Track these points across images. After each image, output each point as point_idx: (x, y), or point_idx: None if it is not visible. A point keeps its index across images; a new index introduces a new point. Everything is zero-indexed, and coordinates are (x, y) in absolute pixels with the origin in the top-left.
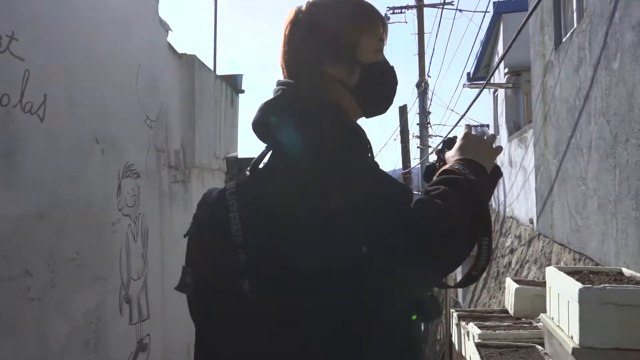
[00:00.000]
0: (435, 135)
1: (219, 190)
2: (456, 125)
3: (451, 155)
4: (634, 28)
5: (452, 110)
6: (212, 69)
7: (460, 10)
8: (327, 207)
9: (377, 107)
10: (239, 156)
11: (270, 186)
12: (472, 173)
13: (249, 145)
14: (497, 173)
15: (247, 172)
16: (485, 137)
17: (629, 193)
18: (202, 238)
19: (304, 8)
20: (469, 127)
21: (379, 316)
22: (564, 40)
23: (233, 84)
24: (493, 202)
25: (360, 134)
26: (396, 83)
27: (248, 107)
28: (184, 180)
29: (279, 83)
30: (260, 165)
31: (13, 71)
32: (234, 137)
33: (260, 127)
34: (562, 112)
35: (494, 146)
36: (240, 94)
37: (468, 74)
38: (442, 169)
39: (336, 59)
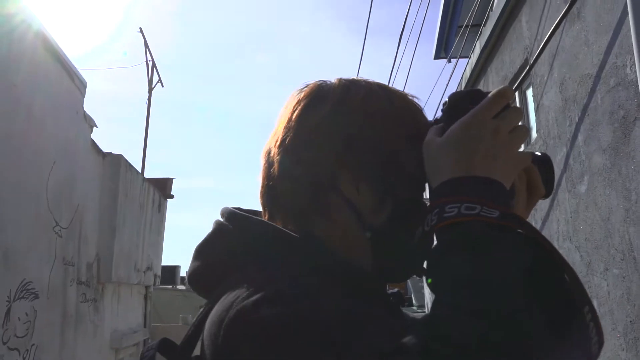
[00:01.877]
0: None
1: None
2: None
3: (434, 153)
4: (605, 152)
5: None
6: (140, 171)
7: None
8: None
9: (399, 271)
10: (163, 264)
11: None
12: (490, 206)
13: (174, 255)
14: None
15: None
16: (501, 117)
17: (615, 330)
18: None
19: (333, 82)
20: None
21: None
22: None
23: (162, 188)
24: None
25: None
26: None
27: (176, 213)
28: (95, 299)
29: (226, 213)
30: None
31: None
32: (158, 247)
33: (196, 280)
34: None
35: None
36: (169, 199)
37: None
38: (435, 224)
39: (367, 172)
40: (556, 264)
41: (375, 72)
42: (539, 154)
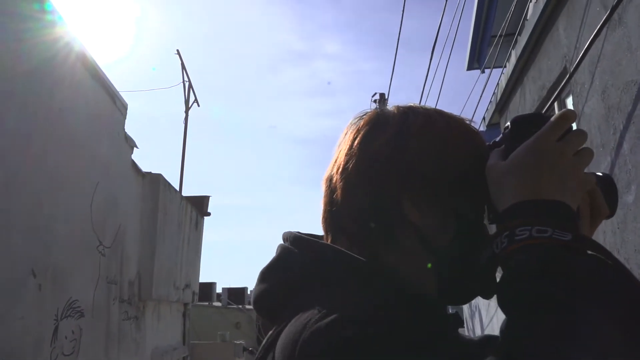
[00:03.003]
0: None
1: None
2: None
3: (499, 177)
4: None
5: None
6: (177, 189)
7: None
8: None
9: (463, 293)
10: (200, 281)
11: None
12: (561, 228)
13: (210, 271)
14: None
15: None
16: (565, 140)
17: None
18: None
19: (391, 110)
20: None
21: None
22: None
23: (199, 205)
24: None
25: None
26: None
27: (212, 230)
28: (136, 317)
29: (291, 237)
30: None
31: None
32: (196, 264)
33: (262, 303)
34: None
35: (577, 157)
36: (205, 217)
37: None
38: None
39: (429, 196)
40: (633, 287)
41: (406, 86)
42: (600, 174)
